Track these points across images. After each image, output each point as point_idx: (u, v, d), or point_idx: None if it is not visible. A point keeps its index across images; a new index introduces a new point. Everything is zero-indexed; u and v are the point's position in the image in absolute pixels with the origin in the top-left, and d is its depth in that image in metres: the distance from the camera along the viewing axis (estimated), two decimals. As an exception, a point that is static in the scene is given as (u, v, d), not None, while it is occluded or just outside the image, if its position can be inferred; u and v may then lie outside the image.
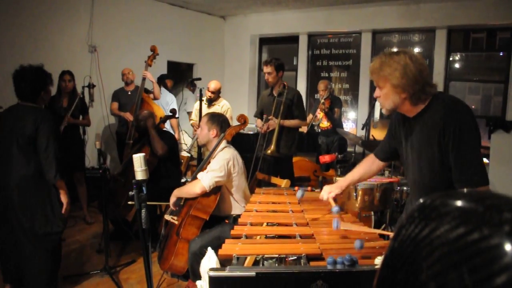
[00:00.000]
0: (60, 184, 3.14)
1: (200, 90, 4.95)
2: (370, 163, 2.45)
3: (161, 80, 6.59)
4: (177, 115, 5.06)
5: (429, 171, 1.99)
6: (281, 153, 4.39)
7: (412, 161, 2.10)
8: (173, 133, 5.46)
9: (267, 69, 4.41)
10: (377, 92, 2.03)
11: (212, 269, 1.62)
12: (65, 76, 4.95)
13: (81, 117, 5.19)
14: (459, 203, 0.46)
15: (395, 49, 2.04)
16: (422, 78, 1.90)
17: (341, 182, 2.50)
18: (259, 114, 4.70)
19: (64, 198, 3.17)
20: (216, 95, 5.38)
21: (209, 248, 2.39)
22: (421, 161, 2.02)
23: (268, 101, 4.56)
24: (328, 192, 2.46)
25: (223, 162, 3.11)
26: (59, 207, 3.16)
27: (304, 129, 6.02)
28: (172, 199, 3.19)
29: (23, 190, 3.06)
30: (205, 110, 5.12)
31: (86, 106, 5.25)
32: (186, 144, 5.88)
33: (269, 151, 4.29)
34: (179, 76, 8.57)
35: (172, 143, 4.69)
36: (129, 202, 3.80)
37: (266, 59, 4.52)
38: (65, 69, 5.04)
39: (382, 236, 2.21)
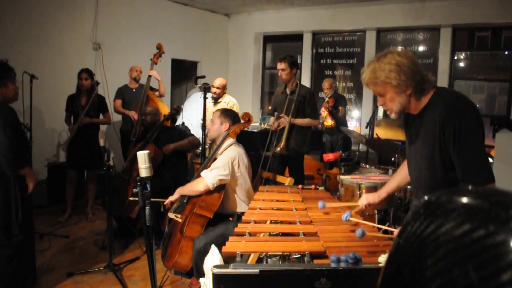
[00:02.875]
0: (23, 172, 3.05)
1: (204, 89, 4.95)
2: (405, 168, 2.39)
3: None
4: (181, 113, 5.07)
5: (429, 169, 1.98)
6: (291, 151, 4.37)
7: (414, 159, 2.10)
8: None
9: (281, 65, 4.39)
10: (380, 101, 2.00)
11: (215, 266, 1.63)
12: (82, 75, 4.97)
13: (101, 115, 5.22)
14: (465, 199, 0.46)
15: (379, 54, 1.99)
16: (418, 68, 1.90)
17: (380, 191, 2.48)
18: (273, 112, 4.68)
19: (30, 182, 3.08)
20: (222, 91, 5.37)
21: (213, 246, 2.39)
22: (422, 158, 2.01)
23: (281, 98, 4.55)
24: (365, 199, 2.46)
25: (228, 160, 3.11)
26: (17, 213, 2.97)
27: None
28: (175, 196, 3.19)
29: None
30: (211, 107, 5.12)
31: (105, 104, 5.26)
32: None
33: (278, 149, 4.28)
34: (183, 74, 8.58)
35: (181, 138, 4.71)
36: (131, 198, 3.80)
37: (280, 55, 4.48)
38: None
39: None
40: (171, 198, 3.20)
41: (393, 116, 2.01)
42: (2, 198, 2.91)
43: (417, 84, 1.89)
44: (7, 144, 2.86)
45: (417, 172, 2.08)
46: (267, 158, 4.53)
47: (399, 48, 2.03)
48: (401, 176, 2.42)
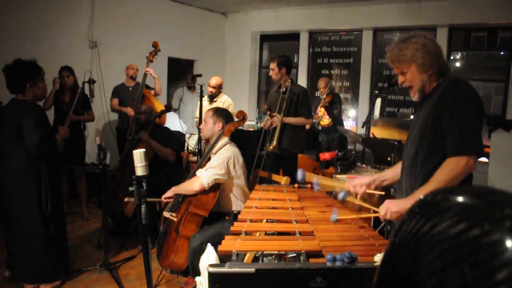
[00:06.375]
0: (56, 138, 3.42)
1: (201, 87, 4.94)
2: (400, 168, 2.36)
3: None
4: (173, 109, 5.06)
5: (418, 143, 2.03)
6: (283, 149, 4.38)
7: (409, 138, 2.16)
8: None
9: (271, 65, 4.45)
10: (401, 78, 2.09)
11: (211, 265, 1.63)
12: (63, 73, 4.99)
13: (85, 113, 5.20)
14: (460, 198, 0.46)
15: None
16: (441, 53, 2.02)
17: (369, 179, 2.34)
18: (268, 111, 4.69)
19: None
20: (217, 90, 5.36)
21: (209, 244, 2.39)
22: (415, 134, 2.08)
23: (275, 97, 4.56)
24: (355, 185, 2.31)
25: (223, 160, 3.10)
26: (51, 200, 3.30)
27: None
28: (169, 194, 3.18)
29: (14, 183, 3.18)
30: (207, 106, 5.11)
31: (89, 101, 5.26)
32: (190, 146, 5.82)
33: (270, 147, 4.29)
34: (180, 73, 8.56)
35: (174, 140, 4.69)
36: (126, 199, 3.78)
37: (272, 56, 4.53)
38: (64, 65, 5.05)
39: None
40: (165, 195, 3.19)
41: (414, 97, 2.09)
42: (37, 192, 3.21)
43: (440, 66, 2.01)
44: (38, 140, 3.13)
45: (407, 149, 2.15)
46: (262, 157, 4.54)
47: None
48: (395, 170, 2.41)
